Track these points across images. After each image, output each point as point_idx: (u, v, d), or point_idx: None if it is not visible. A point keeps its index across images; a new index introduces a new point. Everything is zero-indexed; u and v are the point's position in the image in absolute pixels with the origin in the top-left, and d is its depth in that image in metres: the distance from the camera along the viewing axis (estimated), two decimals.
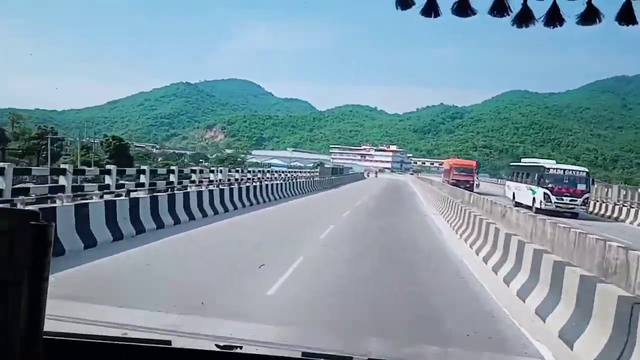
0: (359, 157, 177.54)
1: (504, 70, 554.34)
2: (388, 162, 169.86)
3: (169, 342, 1.20)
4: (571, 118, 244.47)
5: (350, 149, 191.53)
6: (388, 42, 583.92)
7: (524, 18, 1.99)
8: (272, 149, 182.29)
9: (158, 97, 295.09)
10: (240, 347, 1.27)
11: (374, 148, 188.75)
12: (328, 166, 67.89)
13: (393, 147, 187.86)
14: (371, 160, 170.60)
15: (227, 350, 1.25)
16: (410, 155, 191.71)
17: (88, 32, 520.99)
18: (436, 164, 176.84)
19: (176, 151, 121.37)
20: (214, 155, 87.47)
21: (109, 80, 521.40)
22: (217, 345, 1.26)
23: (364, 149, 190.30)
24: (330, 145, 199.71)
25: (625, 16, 1.75)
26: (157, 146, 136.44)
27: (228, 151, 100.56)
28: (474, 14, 2.03)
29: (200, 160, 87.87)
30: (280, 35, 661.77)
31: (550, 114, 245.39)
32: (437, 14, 2.01)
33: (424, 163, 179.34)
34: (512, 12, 1.87)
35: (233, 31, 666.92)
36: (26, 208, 9.30)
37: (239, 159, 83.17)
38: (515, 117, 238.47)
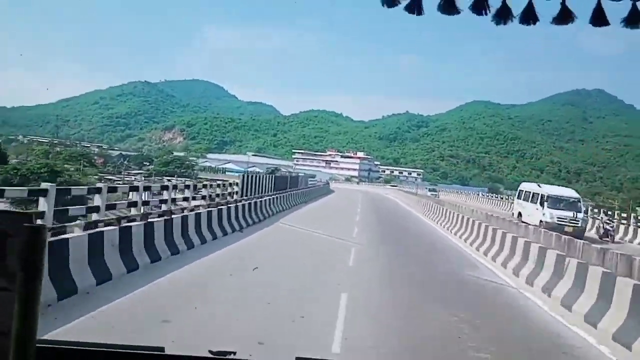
0: (323, 164, 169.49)
1: (467, 81, 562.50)
2: (355, 169, 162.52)
3: (162, 349, 1.21)
4: (534, 130, 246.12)
5: (314, 155, 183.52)
6: (354, 49, 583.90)
7: (503, 15, 2.22)
8: (234, 153, 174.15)
9: (114, 96, 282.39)
10: (234, 353, 1.25)
11: (340, 154, 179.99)
12: (277, 174, 59.21)
13: (360, 154, 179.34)
14: (337, 168, 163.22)
15: (221, 356, 1.22)
16: (378, 163, 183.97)
17: (42, 26, 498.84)
18: (405, 173, 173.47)
19: (123, 152, 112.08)
20: (158, 158, 79.33)
21: (63, 77, 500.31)
22: (210, 352, 1.23)
23: (329, 154, 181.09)
24: (293, 150, 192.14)
25: (597, 18, 2.06)
26: (104, 147, 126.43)
27: (177, 154, 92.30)
28: (458, 12, 2.22)
29: (145, 163, 79.38)
30: (246, 38, 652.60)
31: (513, 125, 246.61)
32: (419, 12, 2.21)
33: (392, 172, 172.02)
34: (490, 10, 2.19)
35: (197, 32, 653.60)
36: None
37: (186, 163, 75.22)
38: (480, 127, 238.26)
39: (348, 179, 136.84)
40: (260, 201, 23.82)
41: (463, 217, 24.55)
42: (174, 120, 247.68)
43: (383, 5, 2.28)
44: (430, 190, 73.48)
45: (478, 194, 59.39)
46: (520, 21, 2.31)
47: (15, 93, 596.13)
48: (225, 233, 17.34)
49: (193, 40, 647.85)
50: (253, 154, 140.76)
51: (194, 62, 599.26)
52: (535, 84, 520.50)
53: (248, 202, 21.62)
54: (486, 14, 2.35)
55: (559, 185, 42.45)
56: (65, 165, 43.94)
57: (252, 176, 26.10)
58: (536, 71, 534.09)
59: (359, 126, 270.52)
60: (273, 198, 27.62)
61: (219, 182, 22.86)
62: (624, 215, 35.40)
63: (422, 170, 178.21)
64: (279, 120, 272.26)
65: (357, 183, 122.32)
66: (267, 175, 31.50)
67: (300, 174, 60.42)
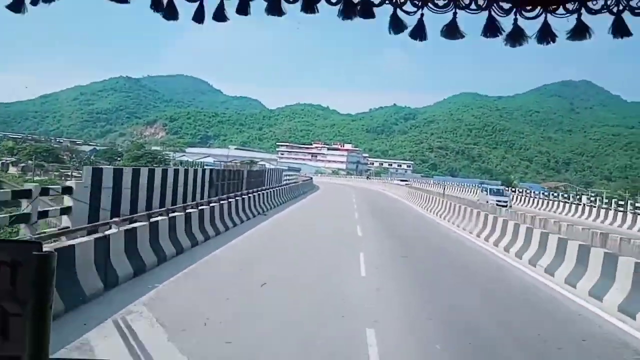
0: (309, 157, 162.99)
1: (454, 73, 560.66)
2: (342, 162, 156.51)
3: None
4: (522, 121, 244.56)
5: (300, 148, 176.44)
6: (340, 43, 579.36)
7: (516, 37, 2.39)
8: (219, 147, 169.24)
9: (96, 91, 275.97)
10: None
11: (327, 147, 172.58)
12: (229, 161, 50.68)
13: (348, 146, 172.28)
14: (323, 160, 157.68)
15: None
16: (367, 155, 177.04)
17: (23, 19, 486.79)
18: (395, 165, 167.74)
19: (98, 147, 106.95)
20: (128, 152, 74.13)
21: (44, 73, 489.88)
22: None
23: (315, 147, 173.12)
24: (277, 143, 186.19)
25: (578, 32, 2.29)
26: (79, 142, 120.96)
27: (155, 148, 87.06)
28: (463, 36, 2.43)
29: (117, 158, 74.18)
30: (232, 33, 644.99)
31: (502, 116, 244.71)
32: (423, 38, 2.44)
33: (382, 164, 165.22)
34: (504, 31, 2.41)
35: (182, 27, 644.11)
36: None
37: (159, 157, 70.36)
38: (468, 118, 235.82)
39: (335, 172, 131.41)
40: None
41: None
42: (156, 115, 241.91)
43: (390, 32, 2.38)
44: (403, 180, 74.98)
45: (481, 189, 48.67)
46: (538, 41, 2.36)
47: None
48: None
49: (178, 35, 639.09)
50: (236, 147, 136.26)
51: (178, 58, 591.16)
52: (523, 76, 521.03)
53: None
54: (501, 34, 2.40)
55: (547, 175, 49.47)
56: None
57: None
58: (523, 63, 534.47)
59: (346, 119, 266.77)
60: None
61: None
62: (621, 203, 35.96)
63: (412, 162, 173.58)
64: (264, 114, 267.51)
65: (346, 176, 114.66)
66: (195, 170, 20.28)
67: (267, 167, 51.55)
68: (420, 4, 2.17)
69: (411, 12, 2.22)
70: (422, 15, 2.22)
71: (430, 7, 2.13)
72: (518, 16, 1.95)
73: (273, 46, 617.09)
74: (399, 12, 2.22)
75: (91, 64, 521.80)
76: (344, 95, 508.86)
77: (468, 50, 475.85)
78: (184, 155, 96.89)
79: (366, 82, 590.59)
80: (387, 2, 2.08)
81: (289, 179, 47.00)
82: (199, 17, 2.59)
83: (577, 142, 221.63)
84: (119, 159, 71.82)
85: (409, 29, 2.40)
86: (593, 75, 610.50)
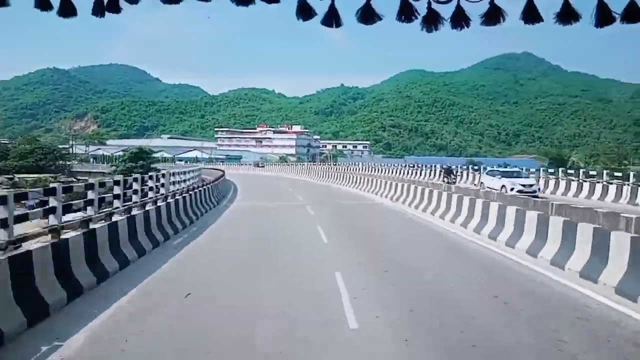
0: (254, 143, 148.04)
1: (398, 50, 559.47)
2: (292, 146, 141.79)
3: None
4: (469, 95, 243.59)
5: (242, 133, 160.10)
6: (281, 28, 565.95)
7: (431, 20, 2.58)
8: (161, 137, 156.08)
9: (20, 86, 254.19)
10: None
11: (273, 130, 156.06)
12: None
13: (297, 128, 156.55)
14: (270, 146, 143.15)
15: None
16: (318, 137, 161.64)
17: None
18: (350, 147, 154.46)
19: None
20: (15, 149, 61.11)
21: None
22: None
23: (260, 131, 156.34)
24: (215, 129, 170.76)
25: (530, 14, 2.56)
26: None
27: (65, 144, 74.42)
28: (380, 19, 2.53)
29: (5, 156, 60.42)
30: (169, 20, 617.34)
31: (449, 92, 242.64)
32: (338, 25, 2.56)
33: (335, 146, 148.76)
34: (419, 15, 2.63)
35: (115, 16, 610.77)
36: None
37: (54, 153, 58.91)
38: (417, 95, 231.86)
39: (283, 159, 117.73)
40: None
41: None
42: (86, 107, 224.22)
43: (298, 18, 2.40)
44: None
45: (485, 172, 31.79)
46: (452, 26, 2.47)
47: None
48: None
49: (111, 24, 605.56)
50: (169, 136, 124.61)
51: (111, 47, 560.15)
52: (466, 51, 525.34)
53: None
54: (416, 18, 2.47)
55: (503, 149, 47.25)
56: None
57: None
58: (465, 38, 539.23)
59: (292, 102, 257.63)
60: None
61: None
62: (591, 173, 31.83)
63: (368, 142, 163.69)
64: (206, 100, 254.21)
65: (296, 163, 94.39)
66: None
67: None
68: None
69: None
70: (332, 1, 2.40)
71: None
72: (432, 1, 2.31)
73: (213, 32, 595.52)
74: None
75: (14, 56, 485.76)
76: (289, 78, 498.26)
77: (410, 28, 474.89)
78: (99, 149, 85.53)
79: (311, 64, 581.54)
80: None
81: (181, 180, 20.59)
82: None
83: (525, 114, 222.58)
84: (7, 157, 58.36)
85: (321, 15, 2.31)
86: (533, 47, 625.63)
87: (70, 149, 72.05)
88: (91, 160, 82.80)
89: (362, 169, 57.14)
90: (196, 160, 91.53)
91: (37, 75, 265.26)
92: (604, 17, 2.53)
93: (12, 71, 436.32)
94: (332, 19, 2.37)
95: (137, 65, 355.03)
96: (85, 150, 70.15)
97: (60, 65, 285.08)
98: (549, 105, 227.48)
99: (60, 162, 61.90)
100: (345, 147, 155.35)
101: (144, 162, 55.35)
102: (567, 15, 2.53)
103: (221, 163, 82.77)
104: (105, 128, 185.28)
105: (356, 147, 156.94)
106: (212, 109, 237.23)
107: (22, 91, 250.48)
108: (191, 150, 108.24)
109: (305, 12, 2.33)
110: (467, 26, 2.41)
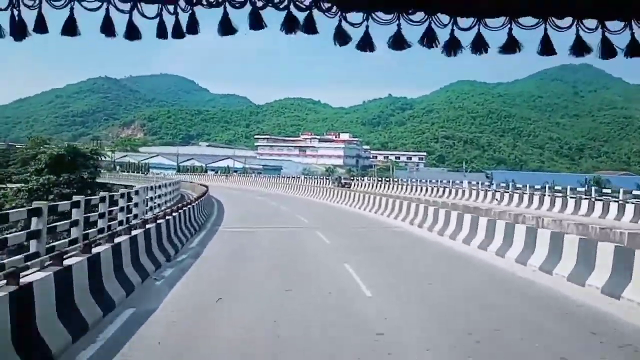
0: (296, 152, 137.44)
1: (446, 61, 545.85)
2: (339, 156, 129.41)
3: None
4: (526, 107, 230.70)
5: (284, 141, 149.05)
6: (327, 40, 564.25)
7: (452, 46, 2.83)
8: (199, 144, 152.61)
9: (71, 94, 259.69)
10: None
11: (318, 138, 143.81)
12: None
13: (345, 136, 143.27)
14: (315, 156, 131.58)
15: None
16: (368, 147, 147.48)
17: None
18: (404, 159, 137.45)
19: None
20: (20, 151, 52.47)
21: (18, 77, 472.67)
22: None
23: (303, 139, 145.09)
24: (255, 137, 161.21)
25: (546, 48, 2.83)
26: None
27: (79, 144, 69.46)
28: (409, 46, 2.77)
29: (11, 163, 53.32)
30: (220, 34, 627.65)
31: (505, 102, 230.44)
32: (372, 49, 2.76)
33: (386, 157, 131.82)
34: (439, 43, 2.83)
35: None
36: None
37: (78, 160, 41.28)
38: (470, 106, 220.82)
39: (330, 170, 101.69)
40: None
41: None
42: (134, 116, 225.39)
43: (335, 44, 2.55)
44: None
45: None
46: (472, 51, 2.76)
47: None
48: None
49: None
50: (208, 144, 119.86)
51: (163, 58, 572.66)
52: (518, 62, 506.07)
53: None
54: (485, 51, 2.72)
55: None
56: None
57: None
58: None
59: (339, 112, 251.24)
60: None
61: None
62: None
63: (424, 154, 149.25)
64: (251, 110, 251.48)
65: (338, 181, 59.53)
66: None
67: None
68: (365, 17, 2.53)
69: (356, 24, 2.58)
70: (367, 27, 2.64)
71: (376, 18, 2.51)
72: (454, 27, 2.53)
73: (263, 47, 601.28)
74: (343, 24, 2.57)
75: (68, 65, 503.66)
76: (335, 89, 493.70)
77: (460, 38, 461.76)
78: (126, 156, 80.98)
79: (357, 75, 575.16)
80: (329, 14, 2.46)
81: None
82: (193, 29, 3.07)
83: (587, 127, 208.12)
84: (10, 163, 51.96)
85: (356, 40, 2.52)
86: (592, 59, 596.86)
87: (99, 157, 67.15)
88: (117, 168, 78.66)
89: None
90: (225, 170, 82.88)
91: (89, 84, 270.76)
92: (609, 51, 2.84)
93: (66, 79, 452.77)
94: (366, 45, 2.58)
95: (187, 76, 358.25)
96: (111, 157, 65.13)
97: (112, 75, 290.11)
98: (613, 118, 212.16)
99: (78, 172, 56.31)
100: (399, 158, 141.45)
101: (74, 175, 34.55)
102: (580, 48, 2.84)
103: (254, 174, 73.42)
104: (152, 136, 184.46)
105: (410, 158, 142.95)
106: (257, 119, 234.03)
107: (73, 99, 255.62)
108: (224, 159, 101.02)
109: (341, 37, 2.51)
110: (486, 52, 2.61)
